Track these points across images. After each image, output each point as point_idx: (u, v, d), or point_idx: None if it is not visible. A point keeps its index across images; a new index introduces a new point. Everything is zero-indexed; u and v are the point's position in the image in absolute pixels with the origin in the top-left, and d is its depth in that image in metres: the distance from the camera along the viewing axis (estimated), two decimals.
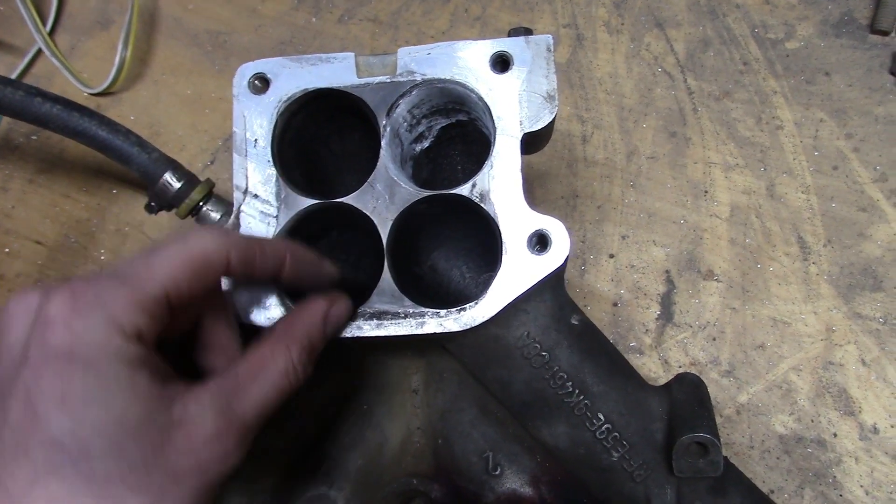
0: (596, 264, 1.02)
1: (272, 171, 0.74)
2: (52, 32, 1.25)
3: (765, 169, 1.03)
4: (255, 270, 0.63)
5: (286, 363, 0.63)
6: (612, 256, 1.02)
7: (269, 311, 0.72)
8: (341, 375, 0.80)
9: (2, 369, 0.54)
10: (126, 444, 0.51)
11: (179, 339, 0.64)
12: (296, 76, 0.76)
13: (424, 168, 0.83)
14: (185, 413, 0.55)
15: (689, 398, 0.75)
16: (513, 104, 0.72)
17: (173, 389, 0.56)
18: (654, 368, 0.96)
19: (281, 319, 0.69)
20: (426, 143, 0.82)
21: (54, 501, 0.49)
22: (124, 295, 0.54)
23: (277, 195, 0.74)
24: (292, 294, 0.73)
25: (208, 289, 0.61)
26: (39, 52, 1.23)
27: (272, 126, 0.75)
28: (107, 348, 0.52)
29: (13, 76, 1.21)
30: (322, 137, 0.83)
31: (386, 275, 0.72)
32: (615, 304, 1.00)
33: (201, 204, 0.90)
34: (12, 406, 0.51)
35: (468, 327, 0.70)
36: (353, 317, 0.71)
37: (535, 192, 1.06)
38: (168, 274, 0.56)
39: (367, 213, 0.73)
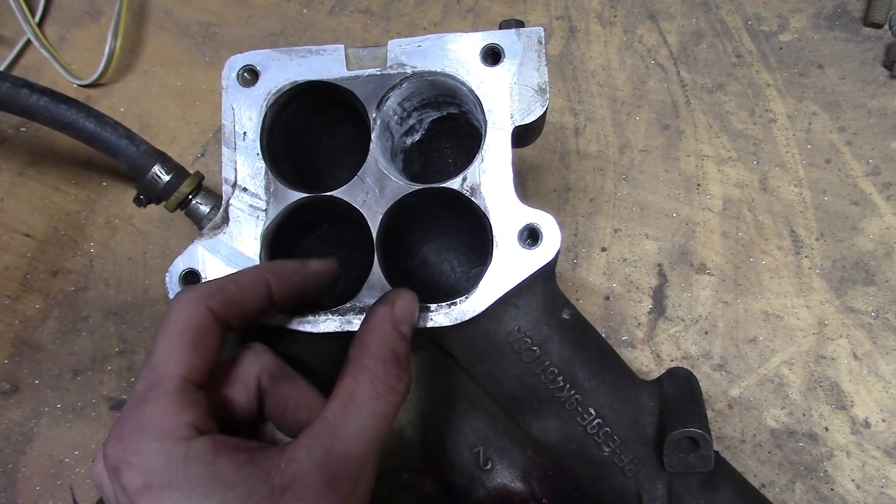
0: (588, 258, 1.01)
1: (261, 165, 0.74)
2: (41, 23, 1.24)
3: (757, 162, 1.02)
4: (246, 310, 0.61)
5: (375, 385, 0.60)
6: (604, 250, 1.01)
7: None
8: (331, 370, 0.79)
9: None
10: None
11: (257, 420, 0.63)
12: (285, 68, 0.75)
13: (415, 161, 0.83)
14: (285, 478, 0.53)
15: (680, 393, 0.75)
16: (503, 97, 0.72)
17: (266, 460, 0.54)
18: (645, 362, 0.96)
19: (352, 342, 0.65)
20: (417, 137, 0.81)
21: None
22: (154, 408, 0.53)
23: (266, 188, 0.74)
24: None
25: (220, 350, 0.59)
26: (28, 43, 1.22)
27: (261, 119, 0.74)
28: (174, 459, 0.52)
29: (2, 68, 1.20)
30: (312, 130, 0.82)
31: (376, 269, 0.71)
32: (607, 298, 0.99)
33: (190, 197, 0.89)
34: None
35: (458, 322, 0.69)
36: (343, 311, 0.71)
37: (528, 184, 1.05)
38: (175, 363, 0.55)
39: (357, 207, 0.72)
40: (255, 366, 0.62)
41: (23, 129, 1.17)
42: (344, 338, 0.73)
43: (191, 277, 0.72)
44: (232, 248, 0.72)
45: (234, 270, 0.71)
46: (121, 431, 0.53)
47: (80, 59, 1.22)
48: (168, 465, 0.51)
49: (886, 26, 1.06)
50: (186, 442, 0.52)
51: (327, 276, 0.68)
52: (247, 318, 0.61)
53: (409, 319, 0.66)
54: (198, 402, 0.55)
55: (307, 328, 0.71)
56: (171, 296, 0.72)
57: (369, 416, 0.58)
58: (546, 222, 0.69)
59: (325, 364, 0.77)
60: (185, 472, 0.51)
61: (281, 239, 0.74)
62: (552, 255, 0.69)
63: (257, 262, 0.71)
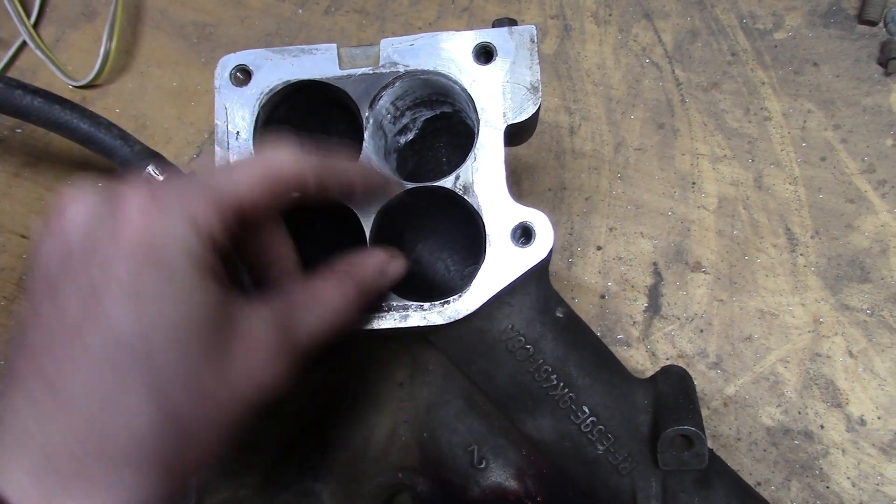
0: (583, 256, 1.01)
1: None
2: (36, 24, 1.24)
3: (752, 160, 1.02)
4: (328, 194, 0.64)
5: (343, 301, 0.62)
6: (599, 248, 1.01)
7: None
8: (325, 369, 0.79)
9: (52, 267, 0.52)
10: (191, 349, 0.50)
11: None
12: (278, 68, 0.75)
13: (409, 160, 0.83)
14: (245, 323, 0.55)
15: (674, 390, 0.75)
16: (496, 95, 0.72)
17: (236, 299, 0.55)
18: (641, 361, 0.96)
19: (341, 259, 0.67)
20: (410, 136, 0.81)
21: (106, 397, 0.48)
22: (204, 199, 0.53)
23: None
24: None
25: (279, 206, 0.60)
26: (24, 44, 1.22)
27: (254, 118, 0.74)
28: (185, 249, 0.51)
29: None
30: (306, 130, 0.82)
31: None
32: (602, 297, 0.99)
33: None
34: (70, 302, 0.50)
35: (452, 320, 0.69)
36: None
37: (523, 183, 1.06)
38: (246, 187, 0.56)
39: (350, 206, 0.72)
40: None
41: (18, 130, 1.17)
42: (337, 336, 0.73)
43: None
44: None
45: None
46: (158, 189, 0.52)
47: (76, 60, 1.22)
48: (178, 248, 0.51)
49: (881, 24, 1.06)
50: (203, 246, 0.52)
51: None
52: (318, 200, 0.63)
53: (394, 278, 0.70)
54: (230, 230, 0.55)
55: None
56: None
57: (324, 322, 0.61)
58: (539, 221, 0.69)
59: (319, 364, 0.78)
60: (185, 266, 0.51)
61: None
62: (545, 254, 0.69)
63: None
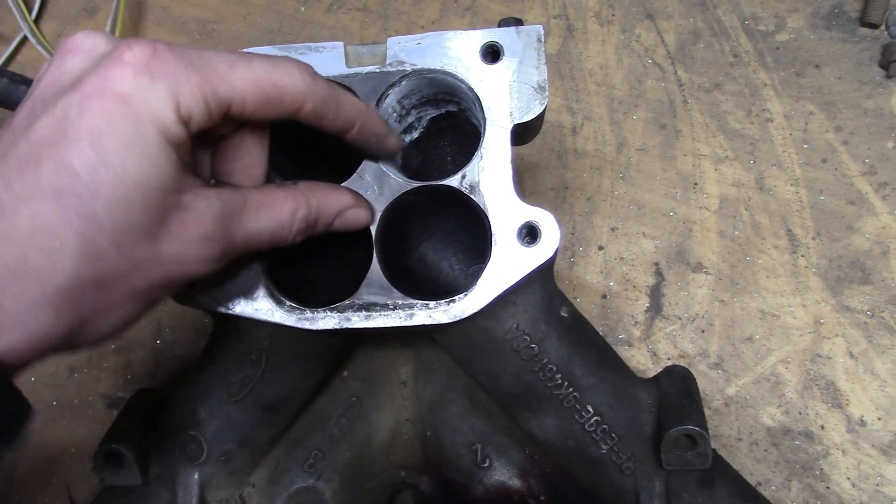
0: (585, 256, 1.02)
1: None
2: (37, 20, 1.24)
3: (754, 161, 1.03)
4: (323, 125, 0.65)
5: (290, 216, 0.64)
6: (601, 248, 1.02)
7: (256, 303, 0.71)
8: (330, 367, 0.79)
9: (45, 90, 0.56)
10: (133, 204, 0.53)
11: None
12: None
13: (414, 159, 0.83)
14: (192, 203, 0.57)
15: (677, 390, 0.75)
16: (503, 95, 0.72)
17: (191, 181, 0.58)
18: (642, 361, 0.96)
19: (305, 181, 0.69)
20: (416, 134, 0.81)
21: (41, 226, 0.51)
22: (197, 82, 0.55)
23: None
24: (280, 286, 0.72)
25: (269, 118, 0.62)
26: (25, 39, 1.21)
27: None
28: (159, 119, 0.54)
29: None
30: (310, 127, 0.82)
31: (375, 266, 0.72)
32: (604, 296, 1.00)
33: None
34: (42, 123, 0.53)
35: (457, 319, 0.69)
36: (342, 308, 0.71)
37: (525, 183, 1.06)
38: (243, 87, 0.58)
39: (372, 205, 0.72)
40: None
41: None
42: (342, 335, 0.73)
43: None
44: None
45: (232, 268, 0.71)
46: (160, 52, 0.55)
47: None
48: (152, 110, 0.53)
49: (883, 26, 1.06)
50: (176, 119, 0.55)
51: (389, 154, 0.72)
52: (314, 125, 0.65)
53: (350, 223, 0.70)
54: (210, 119, 0.57)
55: (306, 325, 0.71)
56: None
57: (266, 229, 0.63)
58: (545, 220, 0.69)
59: (324, 363, 0.78)
60: (153, 128, 0.53)
61: None
62: (551, 253, 0.69)
63: (254, 259, 0.71)
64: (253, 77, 0.58)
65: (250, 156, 0.65)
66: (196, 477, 0.78)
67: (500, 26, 0.74)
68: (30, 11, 1.22)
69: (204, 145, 0.63)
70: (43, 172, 0.51)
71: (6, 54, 1.21)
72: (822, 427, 0.91)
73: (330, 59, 0.74)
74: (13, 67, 1.22)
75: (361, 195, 0.72)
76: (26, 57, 1.22)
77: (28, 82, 0.90)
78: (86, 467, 1.00)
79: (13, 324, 0.51)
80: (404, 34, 0.75)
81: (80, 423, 1.02)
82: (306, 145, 0.80)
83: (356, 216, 0.70)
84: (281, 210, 0.63)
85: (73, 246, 0.51)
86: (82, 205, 0.51)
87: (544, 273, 0.73)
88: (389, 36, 0.75)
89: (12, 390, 0.53)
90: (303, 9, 1.20)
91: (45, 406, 1.03)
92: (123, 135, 0.52)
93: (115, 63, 0.54)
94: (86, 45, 0.58)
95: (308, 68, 0.63)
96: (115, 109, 0.52)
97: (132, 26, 1.22)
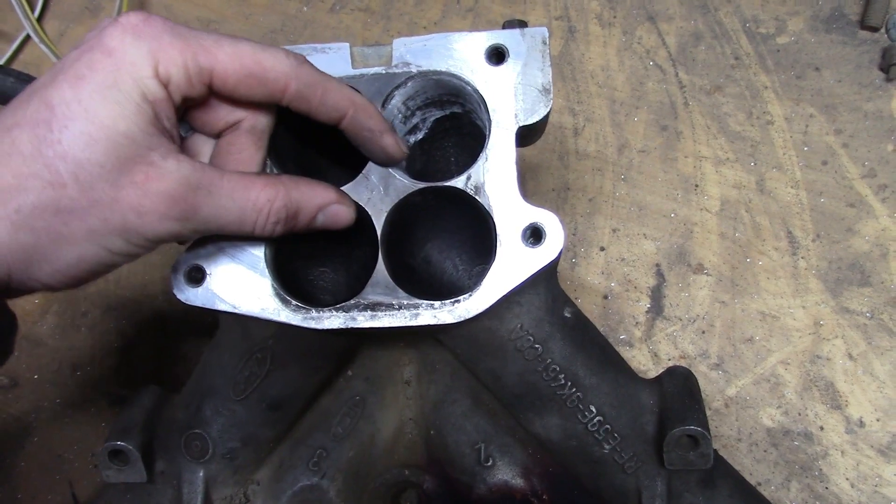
0: (587, 257, 1.02)
1: (267, 163, 0.74)
2: (40, 19, 1.24)
3: (755, 164, 1.03)
4: (311, 111, 0.66)
5: (266, 203, 0.65)
6: (602, 249, 1.02)
7: (262, 302, 0.72)
8: (334, 366, 0.80)
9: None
10: (97, 141, 0.57)
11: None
12: None
13: (418, 160, 0.83)
14: (160, 161, 0.59)
15: (679, 391, 0.76)
16: (508, 97, 0.72)
17: (166, 143, 0.61)
18: (643, 361, 0.97)
19: (290, 175, 0.70)
20: (420, 135, 0.82)
21: (15, 150, 0.56)
22: (180, 47, 0.60)
23: None
24: (285, 286, 0.73)
25: (254, 99, 0.65)
26: (28, 38, 1.22)
27: None
28: (136, 67, 0.58)
29: (0, 63, 1.20)
30: (317, 127, 0.83)
31: (380, 266, 0.72)
32: (605, 297, 1.00)
33: None
34: (45, 75, 0.60)
35: (462, 319, 0.70)
36: (347, 308, 0.71)
37: (527, 184, 1.06)
38: (225, 59, 0.61)
39: (362, 205, 0.73)
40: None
41: None
42: (348, 334, 0.74)
43: (196, 274, 0.73)
44: (237, 244, 0.72)
45: (240, 267, 0.72)
46: (152, 20, 0.60)
47: None
48: (133, 65, 0.58)
49: (883, 30, 1.07)
50: (154, 78, 0.59)
51: (385, 155, 0.72)
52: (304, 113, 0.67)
53: (331, 221, 0.71)
54: (190, 87, 0.61)
55: (312, 324, 0.71)
56: (176, 292, 0.73)
57: (234, 215, 0.64)
58: (549, 221, 0.70)
59: (328, 362, 0.78)
60: (132, 82, 0.58)
61: (285, 237, 0.75)
62: (556, 254, 0.70)
63: (262, 258, 0.72)
64: (236, 52, 0.62)
65: (245, 152, 0.67)
66: (201, 474, 0.78)
67: (504, 28, 0.74)
68: (32, 10, 1.22)
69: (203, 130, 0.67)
70: (28, 108, 0.58)
71: (8, 53, 1.22)
72: (822, 428, 0.92)
73: (336, 60, 0.75)
74: (16, 66, 1.22)
75: (345, 193, 0.72)
76: (29, 55, 1.23)
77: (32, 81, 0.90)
78: (88, 464, 1.01)
79: None
80: (406, 34, 0.75)
81: (83, 420, 1.03)
82: (314, 149, 0.81)
83: (339, 212, 0.71)
84: (257, 195, 0.64)
85: (38, 171, 0.56)
86: (51, 135, 0.56)
87: (548, 274, 0.73)
88: (391, 36, 0.75)
89: None
90: (305, 9, 1.21)
91: (48, 404, 1.03)
92: (101, 81, 0.57)
93: (111, 24, 0.59)
94: (105, 23, 0.62)
95: (298, 56, 0.65)
96: (99, 59, 0.58)
97: None
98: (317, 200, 0.69)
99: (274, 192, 0.65)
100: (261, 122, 0.67)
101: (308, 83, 0.65)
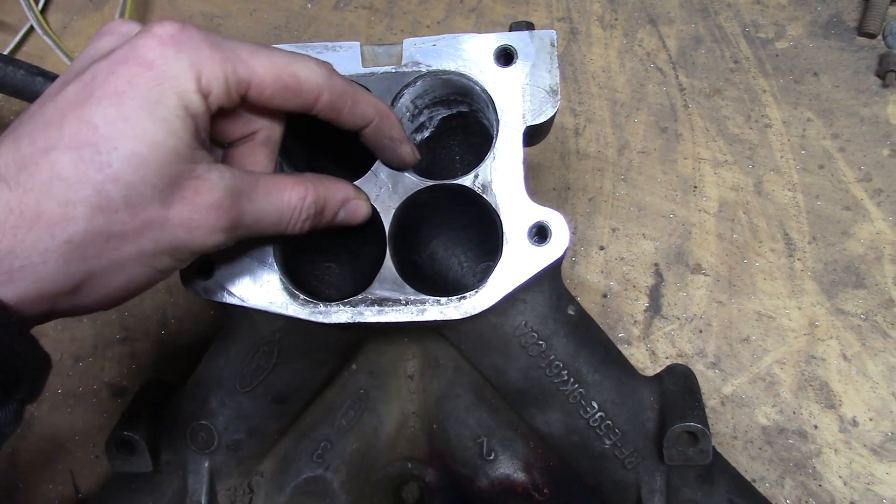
0: (586, 256, 1.04)
1: (277, 160, 0.75)
2: (44, 10, 1.24)
3: (753, 166, 1.05)
4: (340, 119, 0.67)
5: (300, 201, 0.66)
6: (602, 248, 1.04)
7: (270, 296, 0.73)
8: (339, 360, 0.81)
9: (77, 65, 0.59)
10: (148, 161, 0.55)
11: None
12: None
13: (424, 157, 0.84)
14: (205, 174, 0.58)
15: (679, 388, 0.77)
16: (516, 97, 0.74)
17: (206, 155, 0.60)
18: (641, 359, 0.98)
19: (311, 173, 0.71)
20: (426, 133, 0.83)
21: (58, 176, 0.53)
22: (219, 59, 0.58)
23: None
24: (292, 280, 0.74)
25: (287, 109, 0.64)
26: (31, 30, 1.22)
27: None
28: (179, 88, 0.56)
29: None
30: (326, 125, 0.84)
31: (388, 262, 0.73)
32: (604, 296, 1.01)
33: None
34: (70, 88, 0.56)
35: (468, 315, 0.71)
36: (354, 303, 0.72)
37: (529, 183, 1.07)
38: (262, 72, 0.60)
39: (371, 202, 0.74)
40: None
41: None
42: (354, 328, 0.75)
43: (204, 267, 0.74)
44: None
45: (248, 260, 0.73)
46: (189, 30, 0.58)
47: (83, 47, 1.22)
48: (175, 78, 0.56)
49: (880, 36, 1.08)
50: (197, 91, 0.57)
51: (401, 163, 0.74)
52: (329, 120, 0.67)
53: (351, 216, 0.72)
54: (227, 98, 0.60)
55: (319, 319, 0.72)
56: (185, 285, 0.74)
57: (273, 213, 0.64)
58: (555, 220, 0.71)
59: (334, 356, 0.79)
60: (174, 96, 0.56)
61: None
62: (561, 253, 0.71)
63: (271, 252, 0.73)
64: (272, 64, 0.61)
65: (260, 162, 0.67)
66: (206, 465, 0.79)
67: (511, 30, 0.76)
68: (36, 2, 1.22)
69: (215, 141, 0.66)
70: (66, 128, 0.54)
71: (12, 45, 1.22)
72: (816, 427, 0.94)
73: (346, 59, 0.76)
74: (19, 58, 1.22)
75: (361, 189, 0.73)
76: (32, 47, 1.23)
77: (44, 74, 0.91)
78: (90, 454, 1.01)
79: (24, 271, 0.53)
80: (410, 33, 0.76)
81: (85, 411, 1.03)
82: (318, 148, 0.82)
83: (359, 207, 0.72)
84: (291, 194, 0.65)
85: (87, 197, 0.53)
86: (99, 157, 0.53)
87: (552, 272, 0.74)
88: (395, 34, 0.76)
89: (31, 340, 0.54)
90: (310, 6, 1.21)
91: (50, 394, 1.04)
92: (144, 97, 0.55)
93: (145, 34, 0.57)
94: (121, 29, 0.61)
95: (327, 65, 0.65)
96: (138, 73, 0.55)
97: (138, 19, 1.23)
98: (339, 196, 0.70)
99: (304, 190, 0.66)
100: (276, 131, 0.67)
101: (339, 93, 0.65)
